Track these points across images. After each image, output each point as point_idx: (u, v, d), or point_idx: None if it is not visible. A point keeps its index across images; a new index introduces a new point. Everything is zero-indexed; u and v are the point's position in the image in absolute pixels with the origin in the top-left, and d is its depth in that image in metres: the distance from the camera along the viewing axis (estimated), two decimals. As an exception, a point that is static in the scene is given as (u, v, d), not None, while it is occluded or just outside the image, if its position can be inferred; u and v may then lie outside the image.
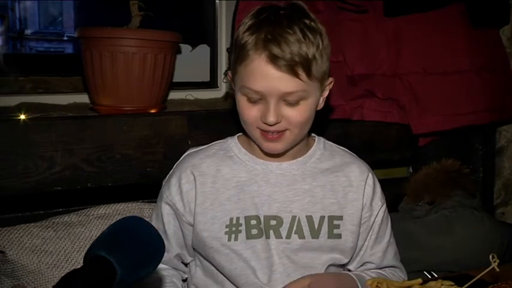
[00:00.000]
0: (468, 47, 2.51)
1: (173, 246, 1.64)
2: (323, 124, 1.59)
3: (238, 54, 1.49)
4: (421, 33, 2.47)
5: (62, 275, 1.70)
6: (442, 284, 1.39)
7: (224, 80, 2.46)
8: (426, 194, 2.24)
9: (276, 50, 1.41)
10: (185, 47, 2.43)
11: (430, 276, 2.02)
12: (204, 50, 2.52)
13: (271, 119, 1.46)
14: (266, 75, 1.44)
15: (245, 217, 1.55)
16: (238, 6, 2.17)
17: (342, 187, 1.62)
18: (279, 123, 1.48)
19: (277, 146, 1.55)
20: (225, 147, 1.66)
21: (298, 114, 1.49)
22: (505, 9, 2.64)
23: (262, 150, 1.59)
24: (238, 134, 1.68)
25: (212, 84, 2.52)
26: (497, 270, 1.38)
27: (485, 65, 2.55)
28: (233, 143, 1.66)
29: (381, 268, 1.69)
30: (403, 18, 2.44)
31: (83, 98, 2.16)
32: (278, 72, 1.43)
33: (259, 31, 1.44)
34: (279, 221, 1.56)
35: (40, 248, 1.75)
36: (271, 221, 1.56)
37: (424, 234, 2.15)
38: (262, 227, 1.55)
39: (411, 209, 2.22)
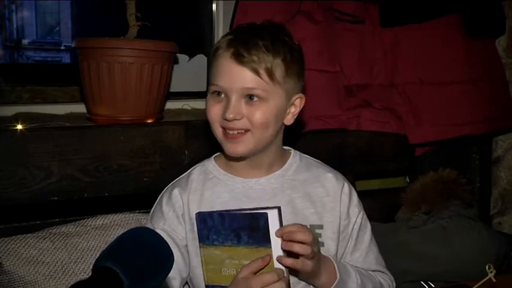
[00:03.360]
0: (465, 57, 2.52)
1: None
2: (319, 134, 1.60)
3: (212, 57, 1.57)
4: (418, 44, 2.47)
5: (59, 286, 1.72)
6: (439, 295, 1.39)
7: (221, 90, 2.47)
8: (423, 203, 2.24)
9: (241, 49, 1.49)
10: (182, 57, 2.43)
11: (426, 287, 2.02)
12: (201, 59, 2.52)
13: (231, 113, 1.51)
14: (229, 70, 1.51)
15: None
16: (236, 17, 2.18)
17: (319, 197, 1.65)
18: (237, 119, 1.52)
19: (238, 148, 1.57)
20: (204, 170, 1.68)
21: (258, 114, 1.52)
22: (500, 20, 2.65)
23: (239, 167, 1.63)
24: (214, 155, 1.71)
25: (209, 94, 2.52)
26: (494, 280, 1.38)
27: (481, 75, 2.55)
28: (211, 165, 1.68)
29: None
30: (400, 28, 2.44)
31: (80, 108, 2.17)
32: (241, 67, 1.50)
33: (232, 35, 1.55)
34: None
35: (37, 259, 1.75)
36: None
37: (421, 244, 2.15)
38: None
39: (408, 218, 2.22)
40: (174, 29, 2.53)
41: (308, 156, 1.75)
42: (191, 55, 2.49)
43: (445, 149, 2.62)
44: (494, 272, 1.39)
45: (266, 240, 1.45)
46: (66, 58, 2.01)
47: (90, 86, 1.99)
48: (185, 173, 1.71)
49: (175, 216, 1.62)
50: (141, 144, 1.99)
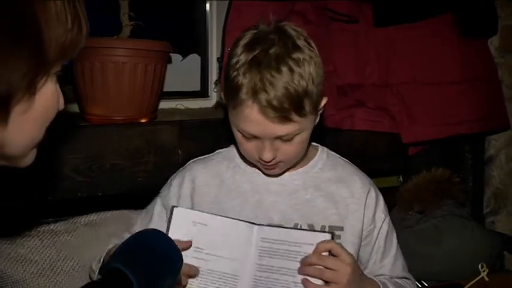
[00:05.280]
0: (458, 57, 2.52)
1: None
2: (312, 133, 1.60)
3: (230, 92, 1.48)
4: (411, 43, 2.48)
5: (47, 284, 1.71)
6: (432, 293, 1.39)
7: (215, 90, 2.47)
8: (416, 203, 2.25)
9: (265, 100, 1.41)
10: (176, 57, 2.43)
11: (420, 286, 2.03)
12: (194, 59, 2.52)
13: (267, 157, 1.48)
14: (259, 123, 1.44)
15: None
16: (229, 17, 2.17)
17: (343, 198, 1.63)
18: (274, 158, 1.50)
19: (274, 172, 1.58)
20: (229, 157, 1.68)
21: (293, 148, 1.51)
22: (493, 20, 2.66)
23: None
24: None
25: (203, 93, 2.52)
26: (487, 279, 1.39)
27: (474, 75, 2.56)
28: (237, 153, 1.67)
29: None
30: (394, 28, 2.45)
31: (73, 108, 2.16)
32: (270, 121, 1.43)
33: (250, 75, 1.43)
34: None
35: (25, 258, 1.74)
36: None
37: (414, 243, 2.16)
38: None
39: (401, 218, 2.22)
40: (167, 28, 2.52)
41: (337, 155, 1.73)
42: (185, 55, 2.49)
43: (438, 148, 2.63)
44: (487, 271, 1.39)
45: None
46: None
47: (84, 85, 1.99)
48: (209, 154, 1.71)
49: (178, 195, 1.63)
50: (135, 143, 1.99)
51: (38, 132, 0.96)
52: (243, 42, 1.48)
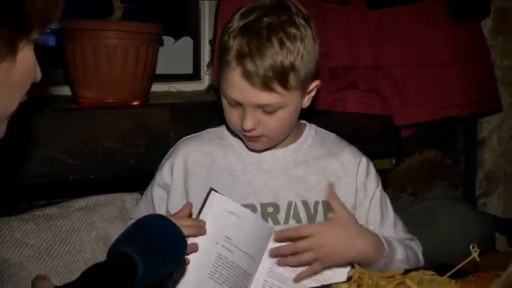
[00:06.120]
0: (451, 39, 2.52)
1: None
2: (304, 115, 1.60)
3: (220, 55, 1.51)
4: (404, 26, 2.47)
5: (44, 267, 1.71)
6: (424, 274, 1.40)
7: (207, 72, 2.46)
8: (409, 185, 2.26)
9: (250, 66, 1.42)
10: (168, 39, 2.42)
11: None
12: (187, 42, 2.51)
13: (248, 126, 1.49)
14: (241, 87, 1.46)
15: (241, 206, 1.55)
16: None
17: (334, 172, 1.64)
18: (255, 129, 1.51)
19: (256, 146, 1.59)
20: (220, 135, 1.68)
21: (275, 122, 1.51)
22: (485, 2, 2.65)
23: None
24: None
25: (195, 76, 2.52)
26: (478, 259, 1.39)
27: (467, 58, 2.56)
28: (226, 133, 1.68)
29: None
30: (386, 10, 2.44)
31: (65, 91, 2.15)
32: (252, 87, 1.44)
33: (240, 39, 1.45)
34: (276, 207, 1.58)
35: (21, 241, 1.74)
36: (268, 208, 1.58)
37: (407, 225, 2.16)
38: (259, 214, 1.56)
39: (394, 200, 2.22)
40: (159, 11, 2.50)
41: (325, 131, 1.74)
42: (177, 37, 2.48)
43: (431, 130, 2.63)
44: (478, 251, 1.40)
45: None
46: (51, 41, 1.98)
47: (75, 68, 1.98)
48: (200, 133, 1.71)
49: (171, 175, 1.64)
50: (126, 126, 1.98)
51: (13, 101, 0.96)
52: (240, 10, 1.50)
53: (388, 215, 1.69)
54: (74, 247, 1.80)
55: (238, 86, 1.46)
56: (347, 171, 1.65)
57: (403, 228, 1.72)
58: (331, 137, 1.73)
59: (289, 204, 1.59)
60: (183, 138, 1.71)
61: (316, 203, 1.60)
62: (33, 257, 1.74)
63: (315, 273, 1.50)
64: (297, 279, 1.49)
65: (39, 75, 1.01)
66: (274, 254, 1.49)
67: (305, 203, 1.59)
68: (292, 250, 1.48)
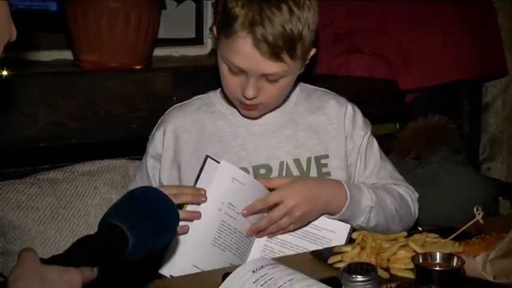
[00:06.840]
0: (455, 2, 2.49)
1: None
2: (308, 79, 1.59)
3: (225, 23, 1.49)
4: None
5: (48, 230, 1.72)
6: (427, 237, 1.40)
7: (210, 36, 2.44)
8: (413, 149, 2.25)
9: (260, 34, 1.42)
10: (170, 3, 2.39)
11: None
12: (189, 6, 2.48)
13: (250, 94, 1.49)
14: (249, 56, 1.45)
15: (241, 170, 1.55)
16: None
17: (322, 126, 1.65)
18: (256, 97, 1.51)
19: (251, 114, 1.59)
20: (208, 102, 1.68)
21: (275, 90, 1.52)
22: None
23: None
24: (220, 88, 1.68)
25: (198, 40, 2.50)
26: (482, 222, 1.40)
27: (472, 21, 2.54)
28: (215, 98, 1.68)
29: None
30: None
31: (67, 55, 2.14)
32: (261, 56, 1.44)
33: (248, 7, 1.43)
34: (268, 168, 1.59)
35: (26, 204, 1.75)
36: (260, 170, 1.59)
37: (410, 189, 2.17)
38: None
39: (398, 164, 2.22)
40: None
41: (308, 85, 1.73)
42: (179, 1, 2.45)
43: (435, 94, 2.62)
44: (482, 213, 1.40)
45: None
46: (52, 6, 1.95)
47: (77, 32, 1.97)
48: (187, 101, 1.71)
49: (162, 145, 1.64)
50: (128, 90, 1.98)
51: None
52: None
53: (371, 162, 1.69)
54: (78, 211, 1.81)
55: (246, 55, 1.45)
56: (334, 122, 1.65)
57: (389, 174, 1.71)
58: (316, 90, 1.73)
59: (281, 164, 1.59)
60: (170, 109, 1.71)
61: (309, 159, 1.61)
62: (37, 220, 1.75)
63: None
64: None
65: (14, 34, 1.00)
66: (254, 230, 1.50)
67: (297, 161, 1.60)
68: (268, 222, 1.49)
